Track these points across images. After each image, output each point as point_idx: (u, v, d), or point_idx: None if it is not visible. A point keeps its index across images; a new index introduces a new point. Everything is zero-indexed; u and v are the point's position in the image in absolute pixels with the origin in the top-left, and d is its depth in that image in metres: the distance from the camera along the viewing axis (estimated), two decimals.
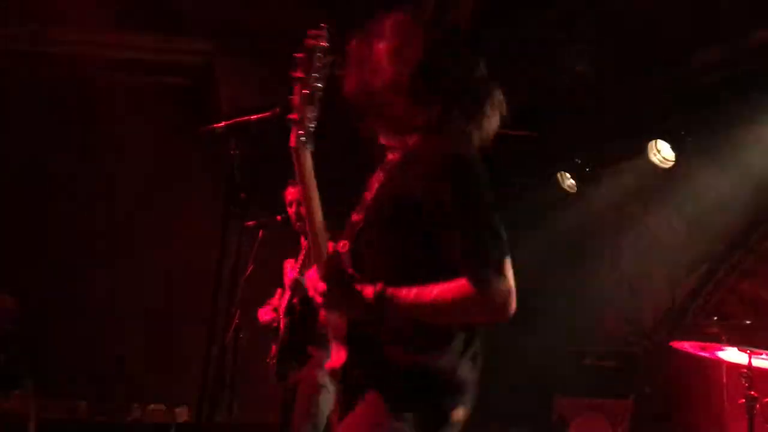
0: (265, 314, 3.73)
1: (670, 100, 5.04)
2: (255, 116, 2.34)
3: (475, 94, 1.74)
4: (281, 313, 3.68)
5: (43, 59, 4.99)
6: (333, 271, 1.62)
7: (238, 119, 2.45)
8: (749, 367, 3.72)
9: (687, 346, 3.88)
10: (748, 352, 3.72)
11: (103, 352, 5.02)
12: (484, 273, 1.54)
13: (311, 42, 1.58)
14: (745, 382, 3.73)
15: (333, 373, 1.75)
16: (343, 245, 1.75)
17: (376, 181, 1.81)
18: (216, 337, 2.77)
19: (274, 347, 3.72)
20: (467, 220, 1.58)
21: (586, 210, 6.15)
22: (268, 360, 3.73)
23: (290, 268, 3.60)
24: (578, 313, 5.91)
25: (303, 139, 1.59)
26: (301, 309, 3.66)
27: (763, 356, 3.72)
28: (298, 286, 3.51)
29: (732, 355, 3.85)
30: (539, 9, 4.43)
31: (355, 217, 1.79)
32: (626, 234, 5.86)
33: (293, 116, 1.61)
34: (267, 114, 2.29)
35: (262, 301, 3.82)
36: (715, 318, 4.58)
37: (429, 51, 1.71)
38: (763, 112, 4.74)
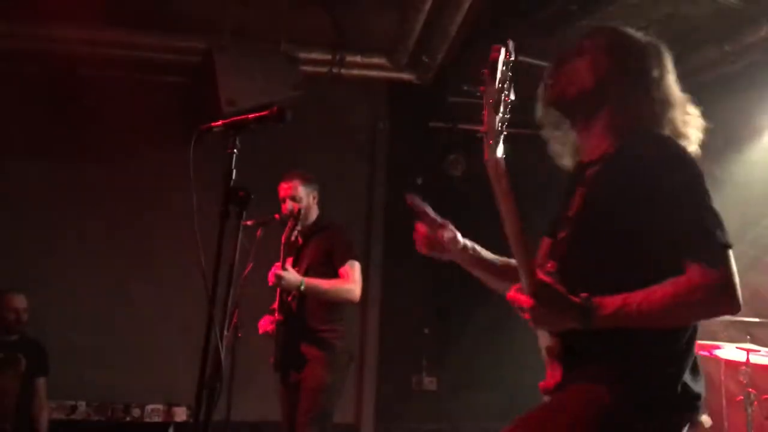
0: (265, 325, 3.74)
1: None
2: (253, 115, 2.33)
3: (663, 97, 1.79)
4: (277, 313, 3.68)
5: (41, 57, 4.98)
6: (542, 287, 1.56)
7: (236, 118, 2.45)
8: (747, 363, 3.73)
9: None
10: (747, 349, 3.73)
11: (102, 351, 5.02)
12: (716, 254, 1.52)
13: (494, 55, 1.56)
14: (744, 379, 3.75)
15: (545, 392, 1.74)
16: (551, 265, 1.76)
17: (579, 196, 1.80)
18: (214, 336, 2.77)
19: (274, 347, 3.73)
20: (690, 204, 1.57)
21: None
22: (270, 360, 3.73)
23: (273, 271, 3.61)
24: None
25: (495, 149, 1.55)
26: (296, 307, 3.68)
27: (762, 353, 3.74)
28: (287, 280, 3.53)
29: (730, 352, 3.86)
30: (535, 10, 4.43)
31: (561, 234, 1.80)
32: None
33: (482, 129, 1.57)
34: (265, 113, 2.29)
35: (260, 299, 3.82)
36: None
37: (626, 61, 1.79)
38: (761, 110, 4.75)
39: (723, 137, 4.67)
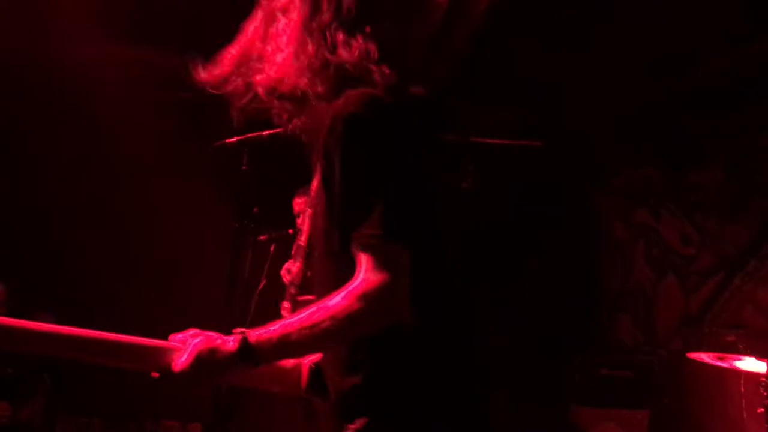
0: None
1: (679, 107, 5.04)
2: (267, 132, 2.34)
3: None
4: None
5: (55, 73, 5.02)
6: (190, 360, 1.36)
7: (250, 134, 2.46)
8: None
9: (704, 357, 3.85)
10: (767, 360, 3.68)
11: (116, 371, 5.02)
12: (377, 258, 1.30)
13: None
14: (764, 391, 3.69)
15: None
16: (294, 267, 1.63)
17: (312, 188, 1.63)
18: None
19: None
20: (352, 191, 1.34)
21: (599, 218, 6.13)
22: None
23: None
24: (592, 323, 5.88)
25: None
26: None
27: None
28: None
29: (750, 364, 3.81)
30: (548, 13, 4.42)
31: (301, 240, 1.64)
32: (638, 242, 5.83)
33: None
34: (279, 129, 2.29)
35: (274, 315, 3.82)
36: (732, 326, 4.54)
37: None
38: None
39: None
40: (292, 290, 1.56)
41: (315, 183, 1.55)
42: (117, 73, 4.96)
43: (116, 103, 5.02)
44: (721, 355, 3.79)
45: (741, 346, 3.92)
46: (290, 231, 3.77)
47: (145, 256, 5.26)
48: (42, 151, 5.21)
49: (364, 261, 1.32)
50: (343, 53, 1.47)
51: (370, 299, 1.30)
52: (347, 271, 1.35)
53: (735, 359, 3.82)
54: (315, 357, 1.59)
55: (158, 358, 1.40)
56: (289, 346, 1.36)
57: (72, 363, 1.43)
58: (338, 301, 1.32)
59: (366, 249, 1.31)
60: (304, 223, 3.68)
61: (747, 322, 4.74)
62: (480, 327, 1.49)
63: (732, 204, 4.98)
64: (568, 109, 5.46)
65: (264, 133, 2.50)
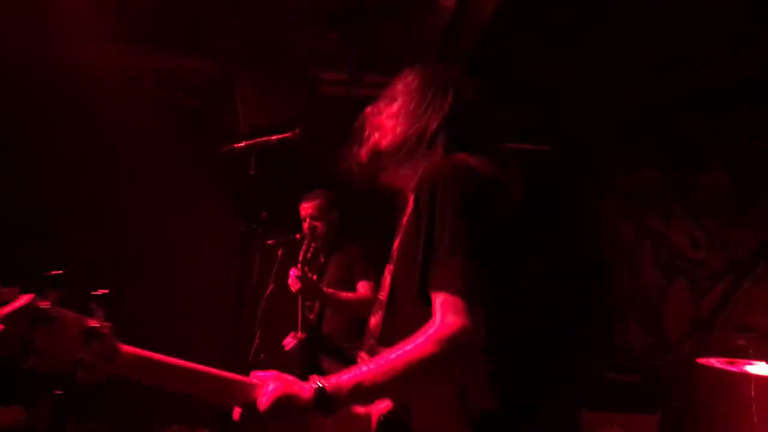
0: (291, 343, 3.75)
1: (689, 110, 5.02)
2: (275, 136, 2.35)
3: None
4: (298, 330, 3.70)
5: (56, 74, 5.04)
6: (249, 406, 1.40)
7: (258, 139, 2.46)
8: None
9: (714, 362, 3.83)
10: None
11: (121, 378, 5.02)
12: (454, 314, 1.34)
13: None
14: None
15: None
16: (373, 319, 1.69)
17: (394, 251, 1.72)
18: (237, 357, 2.77)
19: (295, 370, 3.72)
20: (440, 243, 1.39)
21: (606, 221, 6.11)
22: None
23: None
24: (600, 327, 5.86)
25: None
26: (317, 324, 3.70)
27: None
28: (308, 288, 3.50)
29: (760, 368, 3.79)
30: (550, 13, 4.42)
31: (387, 267, 1.73)
32: (646, 246, 5.82)
33: None
34: (287, 135, 2.30)
35: (282, 320, 3.82)
36: (742, 329, 4.51)
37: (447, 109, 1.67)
38: None
39: None
40: (371, 341, 1.61)
41: (398, 239, 1.66)
42: (118, 74, 4.98)
43: (117, 104, 5.03)
44: (731, 360, 3.77)
45: (751, 350, 3.90)
46: (297, 236, 3.77)
47: (147, 258, 5.27)
48: (43, 151, 5.23)
49: (440, 305, 1.35)
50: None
51: (447, 343, 1.32)
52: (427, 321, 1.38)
53: (745, 364, 3.80)
54: (385, 406, 1.66)
55: (243, 392, 1.43)
56: (364, 392, 1.37)
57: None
58: (414, 345, 1.34)
59: (446, 293, 1.35)
60: (311, 235, 3.68)
61: (757, 325, 4.71)
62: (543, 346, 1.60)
63: (740, 206, 4.96)
64: (572, 111, 5.46)
65: (273, 138, 2.51)
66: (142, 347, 5.02)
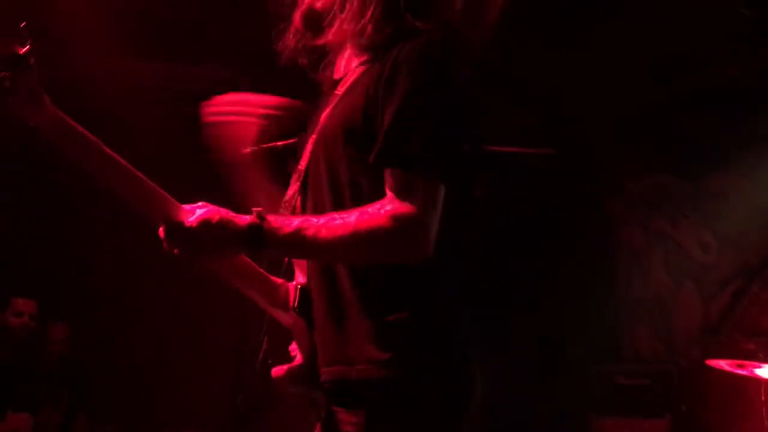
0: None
1: (699, 116, 5.01)
2: (282, 142, 2.35)
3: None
4: None
5: (68, 88, 5.06)
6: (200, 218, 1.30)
7: (264, 145, 2.47)
8: None
9: (723, 364, 3.81)
10: None
11: (133, 378, 5.04)
12: (416, 185, 1.24)
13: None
14: None
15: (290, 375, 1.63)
16: (289, 191, 1.56)
17: (321, 116, 1.56)
18: (245, 363, 2.78)
19: None
20: (412, 111, 1.27)
21: (615, 225, 6.09)
22: None
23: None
24: (609, 332, 5.83)
25: None
26: None
27: None
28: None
29: None
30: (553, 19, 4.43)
31: (290, 190, 1.58)
32: (656, 250, 5.79)
33: None
34: (293, 140, 2.31)
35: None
36: (752, 334, 4.49)
37: None
38: None
39: None
40: (285, 213, 1.48)
41: (326, 112, 1.52)
42: (123, 84, 5.00)
43: (122, 113, 5.05)
44: (740, 362, 3.75)
45: (761, 354, 3.88)
46: None
47: (154, 262, 5.27)
48: (52, 162, 5.25)
49: (399, 183, 1.26)
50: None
51: (402, 222, 1.23)
52: (351, 204, 1.32)
53: (755, 367, 3.78)
54: (302, 279, 1.55)
55: (169, 209, 1.35)
56: (302, 243, 1.28)
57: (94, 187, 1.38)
58: (365, 216, 1.25)
59: (406, 169, 1.26)
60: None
61: (767, 329, 4.68)
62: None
63: (750, 211, 4.94)
64: (581, 116, 5.45)
65: (279, 144, 2.51)
66: (152, 347, 5.07)
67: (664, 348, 5.58)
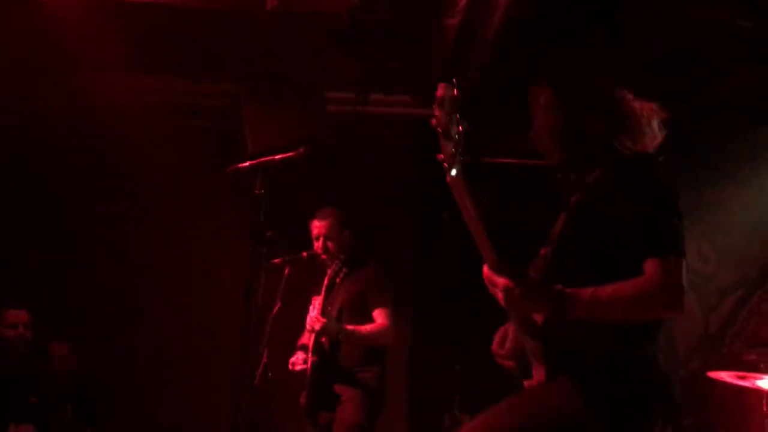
0: (298, 362, 3.70)
1: (698, 126, 5.02)
2: (279, 155, 2.38)
3: (631, 122, 2.01)
4: (309, 353, 3.64)
5: (73, 102, 5.11)
6: (512, 270, 1.76)
7: (263, 159, 2.49)
8: None
9: (725, 375, 3.80)
10: None
11: (131, 392, 5.03)
12: (668, 263, 1.70)
13: (439, 92, 1.72)
14: None
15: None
16: (534, 273, 1.97)
17: (562, 219, 2.03)
18: (245, 376, 2.78)
19: (304, 392, 3.67)
20: (657, 213, 1.78)
21: None
22: (300, 401, 3.68)
23: (313, 308, 3.59)
24: None
25: (452, 170, 1.72)
26: (330, 348, 3.62)
27: None
28: (327, 329, 3.47)
29: None
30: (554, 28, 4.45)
31: (543, 251, 2.01)
32: None
33: (439, 156, 1.75)
34: (291, 154, 2.33)
35: (289, 338, 3.82)
36: (753, 345, 4.48)
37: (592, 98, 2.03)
38: None
39: None
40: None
41: (563, 218, 2.03)
42: (127, 100, 5.04)
43: (130, 131, 5.09)
44: (741, 374, 3.74)
45: (762, 365, 3.87)
46: (304, 254, 3.74)
47: (154, 275, 5.29)
48: (60, 175, 5.29)
49: (656, 266, 1.70)
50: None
51: (669, 290, 1.69)
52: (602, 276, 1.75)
53: (756, 378, 3.77)
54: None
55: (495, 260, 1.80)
56: (597, 305, 1.69)
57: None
58: (638, 284, 1.69)
59: (663, 256, 1.71)
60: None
61: (767, 340, 4.67)
62: None
63: (749, 221, 4.94)
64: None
65: (277, 157, 2.53)
66: (152, 358, 5.07)
67: (664, 359, 5.55)
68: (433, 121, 1.71)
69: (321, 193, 5.17)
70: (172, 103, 5.28)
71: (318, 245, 3.71)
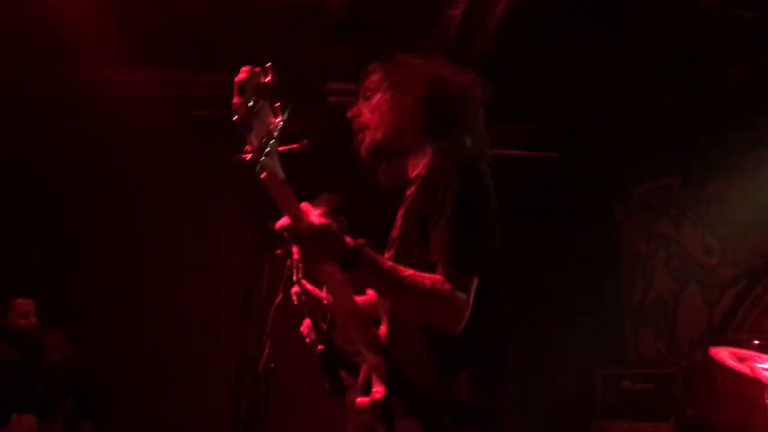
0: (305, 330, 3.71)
1: (701, 119, 5.01)
2: (282, 147, 2.36)
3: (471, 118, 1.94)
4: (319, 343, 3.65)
5: (72, 96, 5.10)
6: (321, 226, 1.60)
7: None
8: None
9: (725, 354, 3.81)
10: None
11: (131, 391, 5.04)
12: (462, 278, 1.65)
13: (240, 76, 1.53)
14: None
15: (373, 406, 1.81)
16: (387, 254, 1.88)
17: (399, 217, 1.95)
18: (247, 368, 2.78)
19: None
20: (460, 224, 1.70)
21: (619, 228, 6.09)
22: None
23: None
24: (613, 335, 5.83)
25: (260, 163, 1.58)
26: (329, 332, 3.66)
27: None
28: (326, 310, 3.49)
29: None
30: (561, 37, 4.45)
31: (387, 255, 1.91)
32: (659, 254, 5.79)
33: (247, 148, 1.60)
34: (295, 145, 2.32)
35: (290, 330, 3.81)
36: (755, 335, 4.47)
37: (429, 90, 1.93)
38: None
39: None
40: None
41: (401, 212, 1.95)
42: (130, 92, 5.03)
43: (133, 123, 5.08)
44: (741, 355, 3.75)
45: (765, 356, 3.86)
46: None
47: (156, 266, 5.30)
48: (59, 169, 5.29)
49: (452, 278, 1.65)
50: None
51: (456, 303, 1.64)
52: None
53: (756, 360, 3.78)
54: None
55: (297, 208, 1.62)
56: (391, 278, 1.63)
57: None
58: (432, 281, 1.64)
59: (456, 271, 1.66)
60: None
61: None
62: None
63: (753, 213, 4.93)
64: (585, 120, 5.45)
65: (279, 149, 2.52)
66: (152, 350, 5.07)
67: (668, 352, 5.57)
68: (232, 108, 1.50)
69: (323, 184, 5.16)
70: (172, 96, 5.27)
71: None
